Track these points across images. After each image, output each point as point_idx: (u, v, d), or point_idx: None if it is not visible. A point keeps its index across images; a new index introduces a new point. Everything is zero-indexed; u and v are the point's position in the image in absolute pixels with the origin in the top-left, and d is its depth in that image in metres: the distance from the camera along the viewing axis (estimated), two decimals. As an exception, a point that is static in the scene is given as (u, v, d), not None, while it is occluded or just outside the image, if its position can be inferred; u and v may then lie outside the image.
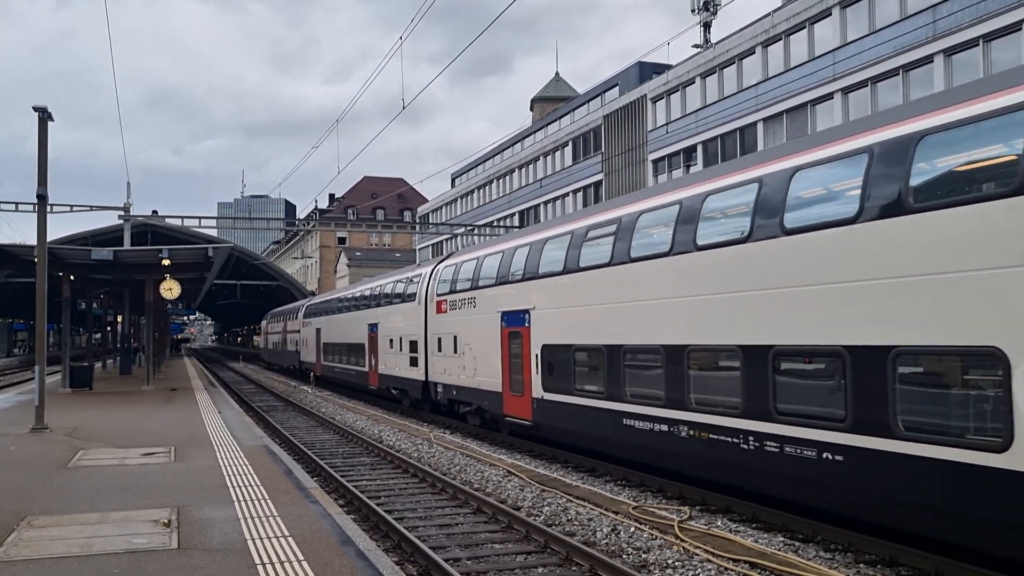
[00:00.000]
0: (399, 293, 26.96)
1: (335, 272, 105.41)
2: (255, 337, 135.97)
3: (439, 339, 22.41)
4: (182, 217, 39.16)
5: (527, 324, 16.90)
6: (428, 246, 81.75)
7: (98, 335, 62.98)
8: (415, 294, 24.80)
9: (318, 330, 41.73)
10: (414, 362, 24.73)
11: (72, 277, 29.64)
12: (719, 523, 10.65)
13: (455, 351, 21.07)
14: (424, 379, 23.87)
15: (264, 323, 70.58)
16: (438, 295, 22.61)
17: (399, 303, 26.73)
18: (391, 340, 27.26)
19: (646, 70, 48.45)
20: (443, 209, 79.84)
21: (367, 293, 32.28)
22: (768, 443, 10.12)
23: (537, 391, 16.45)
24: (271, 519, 9.04)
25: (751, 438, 10.44)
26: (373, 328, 29.77)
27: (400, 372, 26.32)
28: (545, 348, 16.10)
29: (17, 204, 33.24)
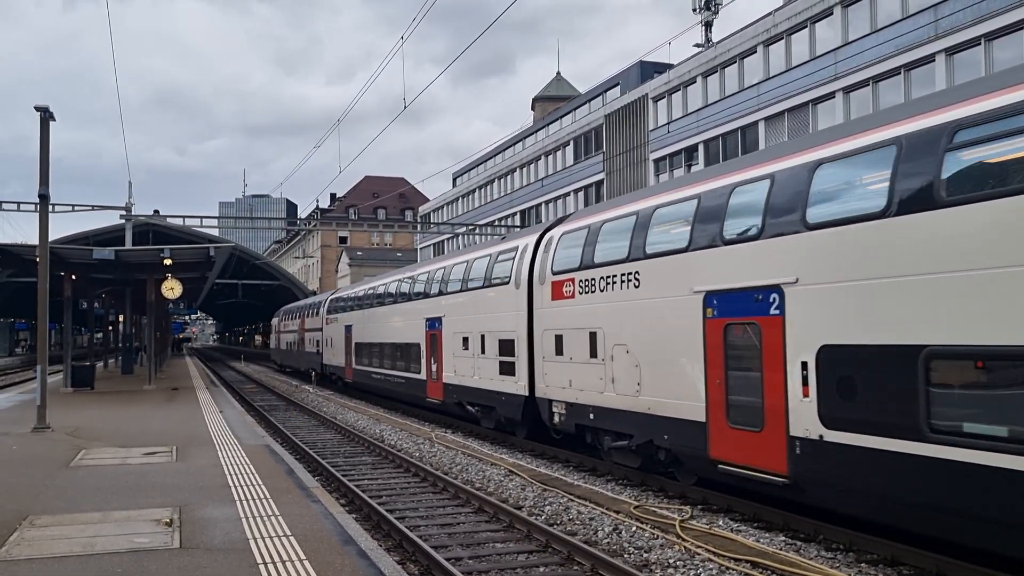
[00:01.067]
0: (480, 275, 20.50)
1: (336, 272, 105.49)
2: (256, 336, 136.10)
3: (557, 337, 16.05)
4: (183, 217, 39.19)
5: (776, 311, 10.32)
6: (430, 245, 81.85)
7: (100, 335, 63.04)
8: (508, 275, 18.59)
9: (348, 328, 35.03)
10: (507, 369, 18.51)
11: (74, 277, 29.67)
12: (720, 522, 10.65)
13: (592, 355, 14.71)
14: (526, 394, 17.53)
15: (275, 320, 63.61)
16: (555, 273, 16.19)
17: (481, 288, 20.37)
18: (464, 339, 21.09)
19: (647, 69, 48.47)
20: (444, 208, 79.92)
21: (424, 279, 25.19)
22: None
23: (804, 425, 9.74)
24: (273, 518, 9.04)
25: None
26: (434, 324, 23.41)
27: (482, 383, 19.88)
28: (830, 352, 9.45)
29: (19, 203, 33.28)
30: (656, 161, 43.80)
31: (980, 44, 26.20)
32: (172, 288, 28.75)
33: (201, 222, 39.71)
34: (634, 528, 10.25)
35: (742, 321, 10.96)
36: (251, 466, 12.62)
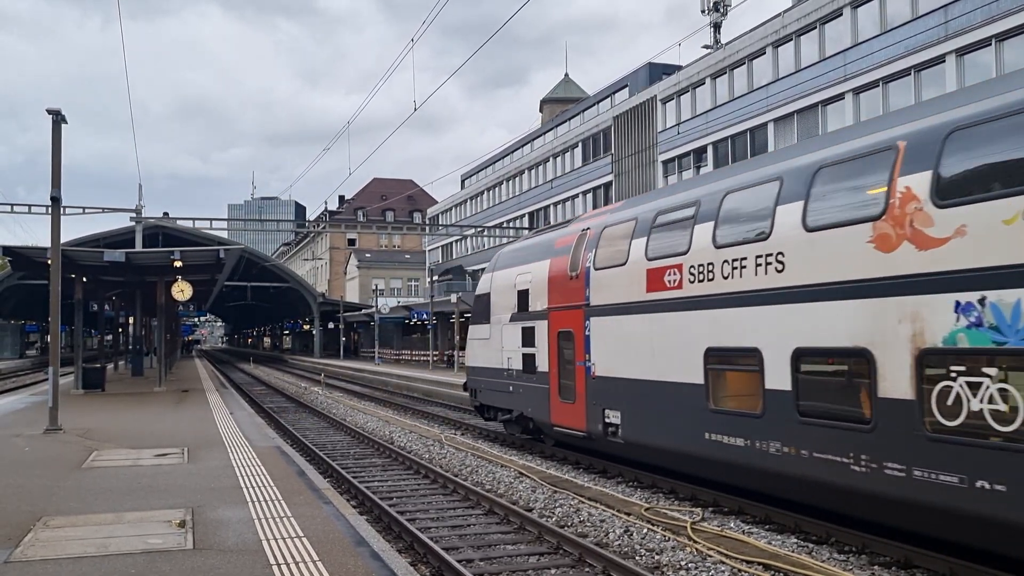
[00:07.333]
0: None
1: (345, 274, 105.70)
2: (265, 339, 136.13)
3: None
4: (193, 219, 39.34)
5: None
6: (438, 247, 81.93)
7: (110, 337, 63.36)
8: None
9: None
10: None
11: (84, 279, 29.80)
12: (732, 524, 10.63)
13: None
14: None
15: (495, 276, 19.00)
16: None
17: None
18: None
19: (656, 71, 48.44)
20: (453, 210, 80.00)
21: None
22: None
23: None
24: (285, 520, 9.07)
25: None
26: None
27: None
28: None
29: (30, 206, 33.55)
30: (665, 163, 43.75)
31: (991, 44, 26.09)
32: (182, 290, 28.88)
33: (211, 224, 39.64)
34: (645, 530, 10.23)
35: None
36: (262, 468, 12.66)
